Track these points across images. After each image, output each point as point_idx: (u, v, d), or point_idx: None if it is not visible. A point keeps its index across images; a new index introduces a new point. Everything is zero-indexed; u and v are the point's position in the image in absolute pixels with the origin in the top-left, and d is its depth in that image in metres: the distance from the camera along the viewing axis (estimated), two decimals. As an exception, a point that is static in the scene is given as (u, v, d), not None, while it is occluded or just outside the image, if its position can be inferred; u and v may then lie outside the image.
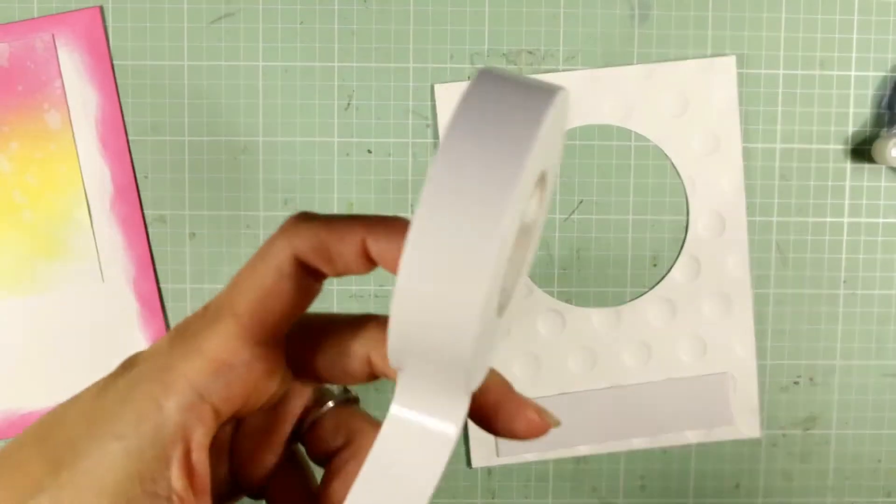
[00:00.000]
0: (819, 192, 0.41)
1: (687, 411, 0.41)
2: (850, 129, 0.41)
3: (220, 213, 0.41)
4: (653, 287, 0.41)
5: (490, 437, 0.41)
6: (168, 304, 0.41)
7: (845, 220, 0.41)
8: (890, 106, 0.41)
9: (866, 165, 0.41)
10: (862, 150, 0.41)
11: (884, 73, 0.41)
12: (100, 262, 0.41)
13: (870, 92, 0.41)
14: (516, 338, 0.41)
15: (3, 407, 0.41)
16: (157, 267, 0.41)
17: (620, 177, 0.41)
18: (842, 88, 0.41)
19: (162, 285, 0.41)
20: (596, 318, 0.41)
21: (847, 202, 0.41)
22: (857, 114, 0.41)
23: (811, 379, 0.42)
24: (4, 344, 0.41)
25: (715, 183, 0.41)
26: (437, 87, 0.40)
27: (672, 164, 0.41)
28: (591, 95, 0.41)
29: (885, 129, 0.41)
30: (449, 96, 0.40)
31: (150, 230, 0.41)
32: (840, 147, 0.41)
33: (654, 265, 0.41)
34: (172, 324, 0.41)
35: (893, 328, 0.42)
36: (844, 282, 0.42)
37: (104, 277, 0.41)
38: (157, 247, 0.41)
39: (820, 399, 0.42)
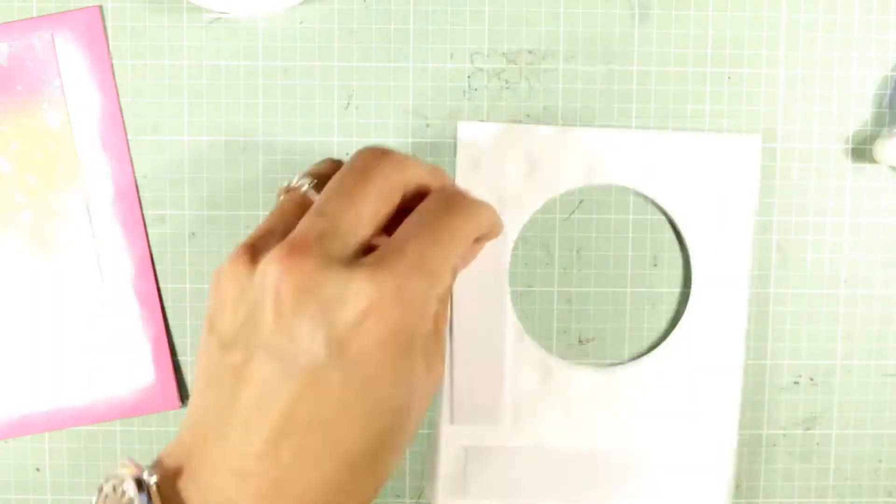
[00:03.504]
0: (820, 191, 0.41)
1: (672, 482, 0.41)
2: (851, 128, 0.41)
3: (219, 212, 0.41)
4: (639, 357, 0.41)
5: (459, 478, 0.41)
6: (168, 304, 0.41)
7: (846, 219, 0.41)
8: (891, 105, 0.41)
9: (867, 165, 0.41)
10: (863, 150, 0.41)
11: (884, 73, 0.41)
12: (99, 262, 0.41)
13: (871, 91, 0.41)
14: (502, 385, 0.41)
15: (2, 407, 0.41)
16: (157, 267, 0.41)
17: (621, 176, 0.41)
18: (842, 88, 0.41)
19: (162, 285, 0.41)
20: (583, 377, 0.41)
21: (848, 202, 0.41)
22: (857, 113, 0.41)
23: (811, 379, 0.42)
24: (3, 344, 0.41)
25: (721, 261, 0.41)
26: (459, 124, 0.40)
27: (679, 232, 0.41)
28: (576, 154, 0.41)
29: (886, 129, 0.41)
30: (471, 135, 0.40)
31: (149, 230, 0.41)
32: (841, 147, 0.41)
33: (655, 265, 0.41)
34: (172, 323, 0.41)
35: (894, 328, 0.42)
36: (845, 281, 0.42)
37: (103, 277, 0.41)
38: (156, 247, 0.41)
39: (820, 399, 0.42)
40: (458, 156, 0.40)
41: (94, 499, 0.31)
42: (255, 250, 0.32)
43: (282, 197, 0.35)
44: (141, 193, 0.41)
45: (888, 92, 0.41)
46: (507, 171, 0.40)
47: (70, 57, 0.40)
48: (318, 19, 0.41)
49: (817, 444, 0.42)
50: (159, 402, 0.41)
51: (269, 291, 0.30)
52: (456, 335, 0.40)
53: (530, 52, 0.41)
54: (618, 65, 0.41)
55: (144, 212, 0.41)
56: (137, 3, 0.40)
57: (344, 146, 0.41)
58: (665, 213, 0.41)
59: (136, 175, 0.41)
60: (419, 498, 0.42)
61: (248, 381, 0.30)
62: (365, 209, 0.31)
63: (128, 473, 0.30)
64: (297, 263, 0.30)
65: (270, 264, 0.30)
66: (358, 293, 0.29)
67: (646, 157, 0.40)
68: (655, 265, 0.41)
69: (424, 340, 0.31)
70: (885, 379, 0.42)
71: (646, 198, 0.41)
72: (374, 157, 0.33)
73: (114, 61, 0.41)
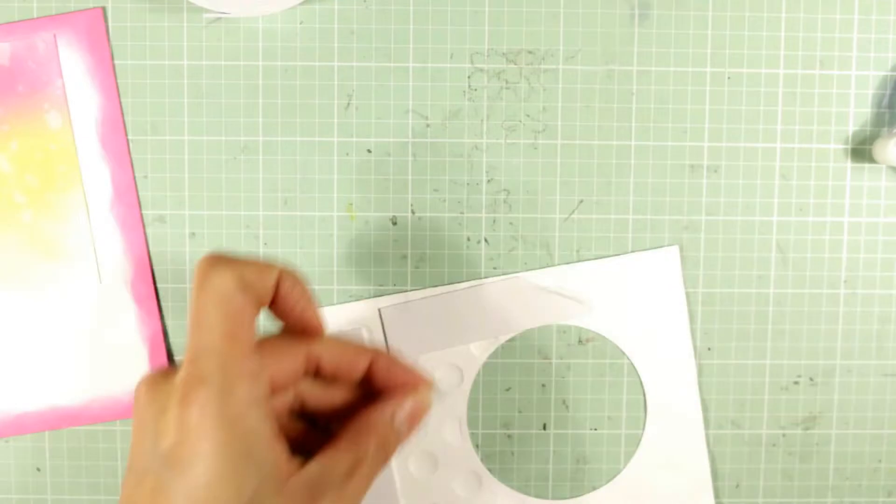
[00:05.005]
0: (819, 191, 0.41)
1: None
2: (851, 128, 0.41)
3: (219, 212, 0.41)
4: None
5: None
6: (168, 304, 0.41)
7: (846, 219, 0.41)
8: (890, 105, 0.41)
9: (867, 165, 0.41)
10: (862, 150, 0.41)
11: (884, 73, 0.41)
12: (97, 263, 0.41)
13: (870, 91, 0.41)
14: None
15: None
16: (157, 267, 0.41)
17: (620, 176, 0.41)
18: (842, 88, 0.41)
19: (161, 285, 0.41)
20: None
21: (847, 202, 0.41)
22: (857, 113, 0.41)
23: (811, 379, 0.42)
24: (1, 344, 0.41)
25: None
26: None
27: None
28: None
29: (885, 129, 0.41)
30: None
31: (149, 230, 0.41)
32: (840, 146, 0.41)
33: (654, 265, 0.41)
34: (171, 323, 0.41)
35: (894, 328, 0.42)
36: (845, 281, 0.42)
37: (101, 278, 0.41)
38: (156, 247, 0.41)
39: (820, 399, 0.42)
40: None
41: None
42: None
43: None
44: (141, 193, 0.41)
45: (888, 92, 0.41)
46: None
47: (72, 58, 0.40)
48: (318, 19, 0.41)
49: (817, 444, 0.42)
50: (159, 401, 0.41)
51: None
52: None
53: (530, 52, 0.41)
54: (618, 65, 0.41)
55: (144, 212, 0.41)
56: (137, 3, 0.41)
57: (343, 146, 0.41)
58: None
59: (136, 175, 0.41)
60: None
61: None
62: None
63: None
64: None
65: None
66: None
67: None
68: (655, 265, 0.41)
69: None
70: (885, 379, 0.42)
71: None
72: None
73: (114, 61, 0.41)
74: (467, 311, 0.41)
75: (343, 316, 0.41)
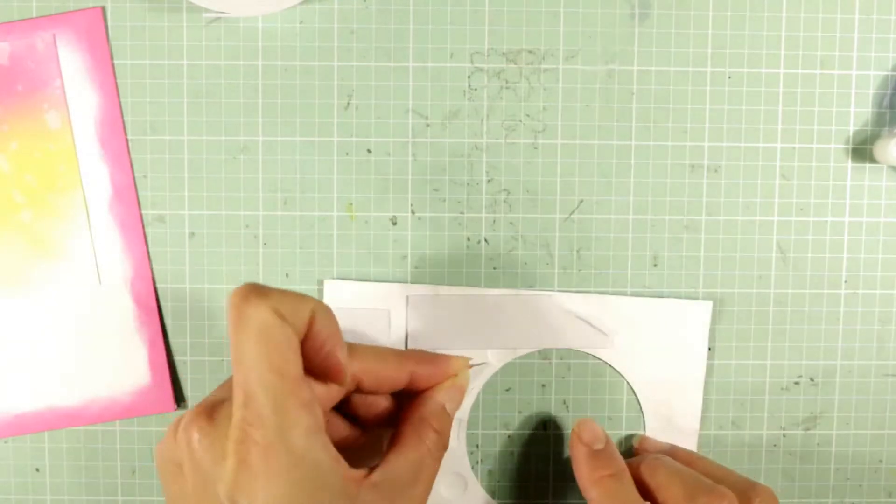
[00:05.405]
0: (820, 191, 0.41)
1: None
2: (852, 128, 0.41)
3: (219, 212, 0.41)
4: None
5: None
6: (167, 304, 0.41)
7: (846, 219, 0.41)
8: (891, 105, 0.41)
9: (867, 165, 0.41)
10: (863, 150, 0.41)
11: (885, 72, 0.41)
12: (97, 264, 0.41)
13: (871, 91, 0.41)
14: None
15: None
16: (156, 267, 0.41)
17: (620, 176, 0.41)
18: (843, 87, 0.41)
19: (161, 285, 0.41)
20: None
21: (848, 202, 0.41)
22: (858, 113, 0.41)
23: (812, 379, 0.42)
24: (0, 344, 0.41)
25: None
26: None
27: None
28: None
29: (886, 129, 0.41)
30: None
31: (148, 230, 0.41)
32: (841, 146, 0.41)
33: (655, 265, 0.41)
34: (171, 323, 0.41)
35: (895, 328, 0.42)
36: (846, 281, 0.42)
37: (101, 279, 0.41)
38: (155, 247, 0.41)
39: (821, 399, 0.42)
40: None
41: None
42: None
43: None
44: (140, 193, 0.41)
45: (888, 92, 0.41)
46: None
47: (71, 57, 0.40)
48: (318, 19, 0.41)
49: (817, 444, 0.42)
50: (154, 404, 0.41)
51: None
52: None
53: (530, 52, 0.41)
54: (618, 65, 0.41)
55: (144, 211, 0.41)
56: (137, 2, 0.40)
57: (343, 146, 0.41)
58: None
59: (136, 175, 0.41)
60: None
61: None
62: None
63: None
64: None
65: None
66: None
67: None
68: (655, 265, 0.41)
69: None
70: (885, 379, 0.42)
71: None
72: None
73: (114, 61, 0.41)
74: (494, 318, 0.41)
75: (369, 294, 0.41)
